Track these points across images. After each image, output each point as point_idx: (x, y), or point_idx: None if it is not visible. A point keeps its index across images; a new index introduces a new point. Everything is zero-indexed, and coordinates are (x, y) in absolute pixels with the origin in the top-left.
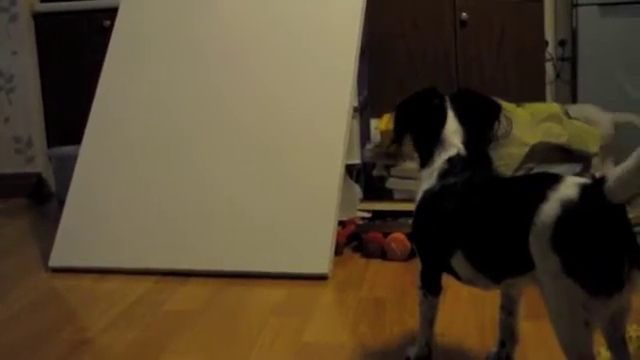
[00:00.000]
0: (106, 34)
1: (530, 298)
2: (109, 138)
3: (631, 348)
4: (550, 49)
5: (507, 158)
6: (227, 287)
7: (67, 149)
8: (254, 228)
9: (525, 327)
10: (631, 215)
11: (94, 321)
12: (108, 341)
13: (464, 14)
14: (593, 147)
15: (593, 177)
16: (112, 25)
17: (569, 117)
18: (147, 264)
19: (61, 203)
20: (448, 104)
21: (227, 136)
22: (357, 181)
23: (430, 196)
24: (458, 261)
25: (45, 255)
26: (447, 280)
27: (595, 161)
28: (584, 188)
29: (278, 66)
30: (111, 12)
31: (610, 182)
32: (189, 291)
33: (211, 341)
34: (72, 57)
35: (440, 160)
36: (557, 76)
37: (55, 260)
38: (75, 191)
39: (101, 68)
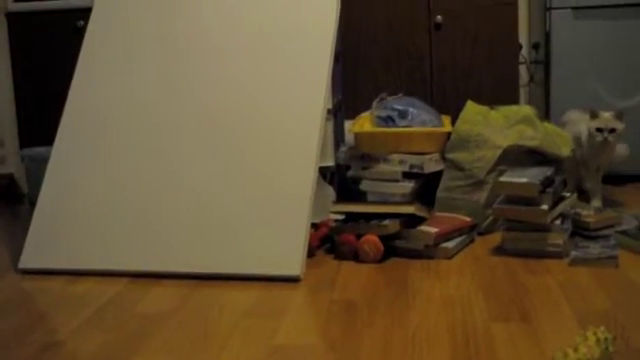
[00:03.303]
0: (80, 34)
1: (499, 300)
2: (81, 139)
3: (598, 351)
4: (524, 52)
5: (480, 160)
6: (199, 289)
7: (39, 150)
8: (226, 230)
9: (495, 329)
10: (593, 219)
11: (65, 323)
12: (79, 343)
13: (439, 17)
14: (565, 150)
15: (563, 180)
16: (86, 25)
17: (542, 120)
18: (119, 266)
19: (33, 204)
20: None
21: (200, 138)
22: (331, 183)
23: None
24: None
25: (16, 257)
26: (418, 283)
27: (567, 165)
28: None
29: (253, 68)
30: (85, 12)
31: None
32: (161, 293)
33: (182, 343)
34: (45, 57)
35: None
36: (531, 79)
37: (25, 262)
38: (46, 192)
39: (74, 68)
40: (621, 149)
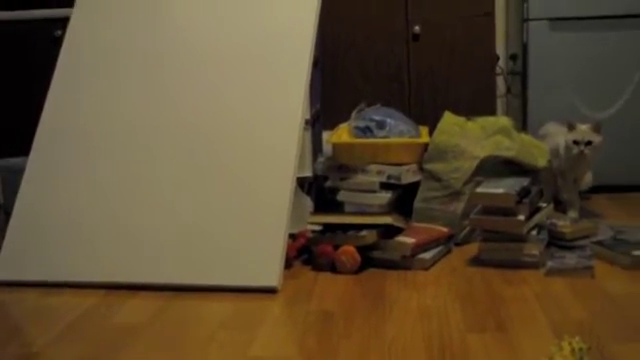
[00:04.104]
0: (57, 44)
1: (476, 310)
2: (57, 150)
3: None
4: (501, 63)
5: (457, 171)
6: (175, 300)
7: (15, 160)
8: (203, 240)
9: (471, 339)
10: (569, 230)
11: (40, 335)
12: (54, 356)
13: (417, 27)
14: (542, 161)
15: (540, 190)
16: (63, 35)
17: (519, 131)
18: (95, 277)
19: (8, 215)
20: None
21: (177, 147)
22: (308, 194)
23: None
24: None
25: None
26: (395, 294)
27: (543, 175)
28: None
29: (230, 78)
30: (63, 22)
31: None
32: (137, 304)
33: (158, 355)
34: (22, 67)
35: None
36: (508, 90)
37: (0, 273)
38: (22, 203)
39: (52, 78)
40: (587, 177)
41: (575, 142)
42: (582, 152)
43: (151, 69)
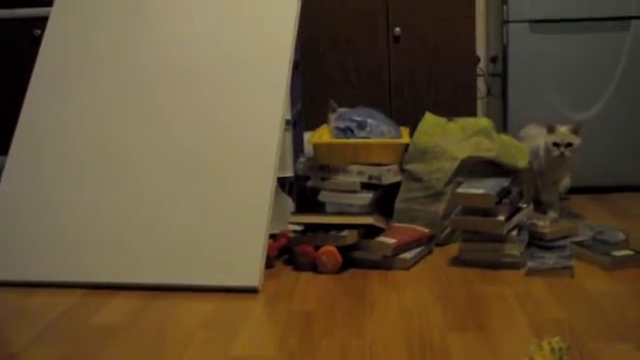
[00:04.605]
0: (37, 43)
1: (456, 310)
2: (36, 149)
3: None
4: (482, 65)
5: (438, 172)
6: (156, 300)
7: None
8: (184, 240)
9: (451, 339)
10: (549, 230)
11: (19, 336)
12: (33, 356)
13: (397, 29)
14: (522, 162)
15: (520, 191)
16: (42, 34)
17: (499, 132)
18: (74, 277)
19: None
20: None
21: (157, 147)
22: (289, 194)
23: None
24: None
25: None
26: (376, 294)
27: (523, 176)
28: None
29: (210, 79)
30: (42, 21)
31: None
32: (117, 305)
33: (138, 356)
34: (1, 66)
35: None
36: (488, 91)
37: None
38: (1, 203)
39: (30, 78)
40: (565, 181)
41: (555, 144)
42: (562, 154)
43: (130, 71)
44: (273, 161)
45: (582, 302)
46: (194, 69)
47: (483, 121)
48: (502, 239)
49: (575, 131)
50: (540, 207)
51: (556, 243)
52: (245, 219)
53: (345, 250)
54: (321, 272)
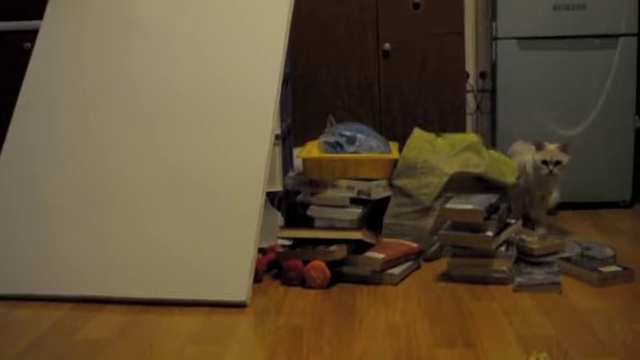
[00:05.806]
0: (27, 56)
1: (444, 326)
2: (24, 162)
3: None
4: (471, 81)
5: (427, 187)
6: (144, 315)
7: None
8: (172, 254)
9: (439, 354)
10: (538, 246)
11: (5, 350)
12: None
13: (387, 45)
14: (510, 178)
15: (508, 207)
16: (32, 47)
17: (488, 148)
18: (62, 291)
19: None
20: None
21: (146, 161)
22: (278, 208)
23: None
24: None
25: None
26: (365, 309)
27: (512, 192)
28: None
29: (200, 93)
30: (32, 34)
31: None
32: (104, 319)
33: None
34: None
35: None
36: (477, 107)
37: None
38: None
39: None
40: (554, 198)
41: (544, 162)
42: (551, 172)
43: (119, 85)
44: (262, 176)
45: (570, 318)
46: (183, 83)
47: (472, 137)
48: (491, 255)
49: (563, 149)
50: (529, 223)
51: (544, 259)
52: (234, 233)
53: (334, 265)
54: (310, 287)
